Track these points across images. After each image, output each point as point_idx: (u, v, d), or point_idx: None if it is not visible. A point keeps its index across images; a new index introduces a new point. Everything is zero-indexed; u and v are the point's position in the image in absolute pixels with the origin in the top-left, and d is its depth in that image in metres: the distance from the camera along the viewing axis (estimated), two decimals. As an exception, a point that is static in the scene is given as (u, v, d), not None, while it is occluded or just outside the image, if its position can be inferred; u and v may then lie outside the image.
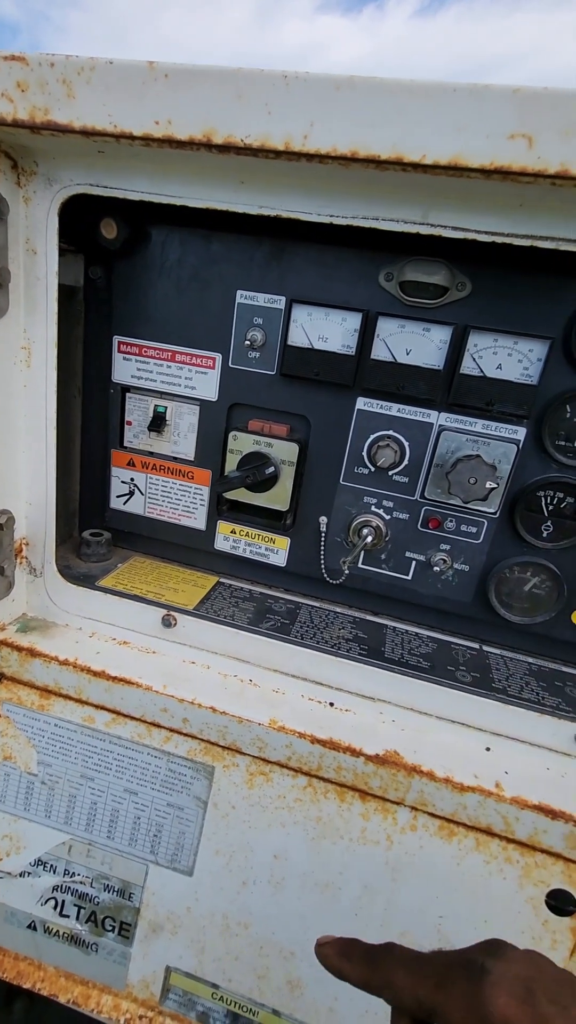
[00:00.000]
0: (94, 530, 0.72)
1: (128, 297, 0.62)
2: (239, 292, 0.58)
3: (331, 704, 0.61)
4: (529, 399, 0.53)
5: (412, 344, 0.54)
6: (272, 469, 0.60)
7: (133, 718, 0.61)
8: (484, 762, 0.56)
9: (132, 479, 0.70)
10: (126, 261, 0.60)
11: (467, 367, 0.53)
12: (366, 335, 0.55)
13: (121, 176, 0.48)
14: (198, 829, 0.61)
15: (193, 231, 0.57)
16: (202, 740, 0.59)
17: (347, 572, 0.63)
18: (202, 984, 0.62)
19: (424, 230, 0.44)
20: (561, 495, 0.57)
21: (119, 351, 0.64)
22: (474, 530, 0.60)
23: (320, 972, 0.59)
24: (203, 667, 0.64)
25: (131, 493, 0.70)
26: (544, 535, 0.58)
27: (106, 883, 0.64)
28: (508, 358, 0.52)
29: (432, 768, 0.54)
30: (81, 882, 0.64)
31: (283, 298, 0.57)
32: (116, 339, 0.64)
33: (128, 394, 0.66)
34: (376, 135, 0.37)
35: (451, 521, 0.61)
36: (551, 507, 0.57)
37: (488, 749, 0.57)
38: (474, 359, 0.53)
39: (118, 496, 0.71)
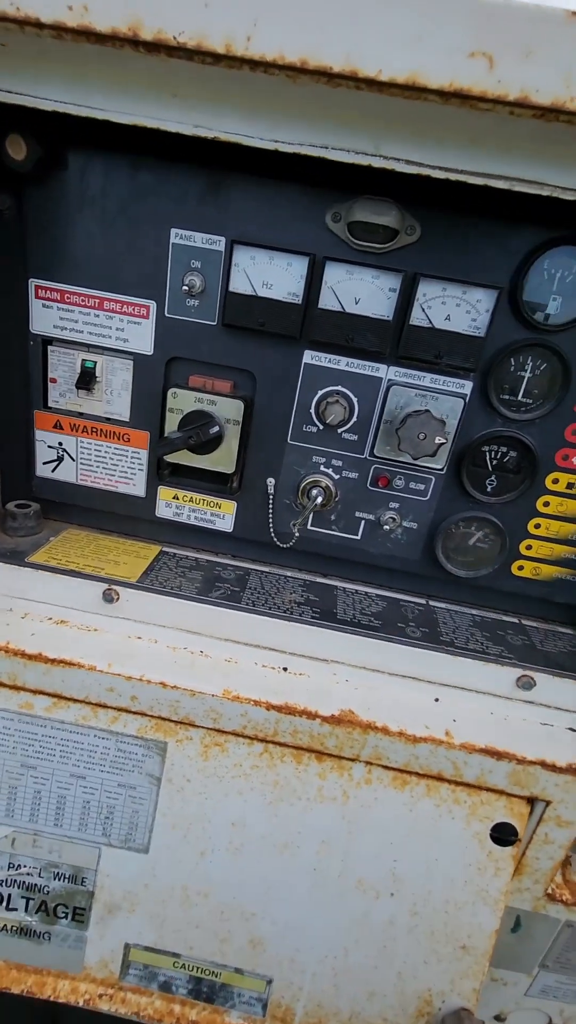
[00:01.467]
0: (20, 501, 0.65)
1: (45, 234, 0.54)
2: (173, 231, 0.52)
3: (284, 669, 0.60)
4: (477, 352, 0.52)
5: (361, 292, 0.52)
6: (217, 429, 0.57)
7: (76, 700, 0.57)
8: (434, 712, 0.57)
9: (60, 443, 0.63)
10: (39, 190, 0.53)
11: (416, 318, 0.52)
12: (313, 282, 0.52)
13: (29, 79, 0.41)
14: (152, 806, 0.59)
15: (117, 156, 0.50)
16: (153, 717, 0.57)
17: (297, 535, 0.61)
18: (163, 955, 0.61)
19: (376, 162, 0.41)
20: (504, 449, 0.58)
21: (37, 297, 0.57)
22: (422, 487, 0.60)
23: (281, 927, 0.60)
24: (150, 641, 0.60)
25: (60, 459, 0.64)
26: (488, 489, 0.59)
27: (56, 871, 0.61)
28: (456, 308, 0.51)
29: (386, 723, 0.54)
30: (28, 873, 0.61)
31: (223, 239, 0.52)
32: (32, 283, 0.56)
33: (50, 347, 0.59)
34: (328, 41, 0.33)
35: (400, 479, 0.60)
36: (495, 461, 0.58)
37: (437, 700, 0.59)
38: (423, 309, 0.52)
39: (45, 463, 0.64)
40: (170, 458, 0.60)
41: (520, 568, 0.63)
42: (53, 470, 0.65)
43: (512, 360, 0.54)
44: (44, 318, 0.57)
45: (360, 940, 0.59)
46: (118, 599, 0.59)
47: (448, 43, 0.32)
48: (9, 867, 0.61)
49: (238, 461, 0.60)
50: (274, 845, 0.58)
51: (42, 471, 0.65)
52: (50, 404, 0.62)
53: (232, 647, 0.60)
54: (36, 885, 0.61)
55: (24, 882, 0.61)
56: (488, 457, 0.58)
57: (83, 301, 0.56)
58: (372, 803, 0.57)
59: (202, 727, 0.56)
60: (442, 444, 0.54)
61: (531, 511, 0.60)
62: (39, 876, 0.61)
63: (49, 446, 0.64)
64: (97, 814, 0.59)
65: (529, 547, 0.62)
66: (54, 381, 0.60)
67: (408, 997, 0.60)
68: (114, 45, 0.35)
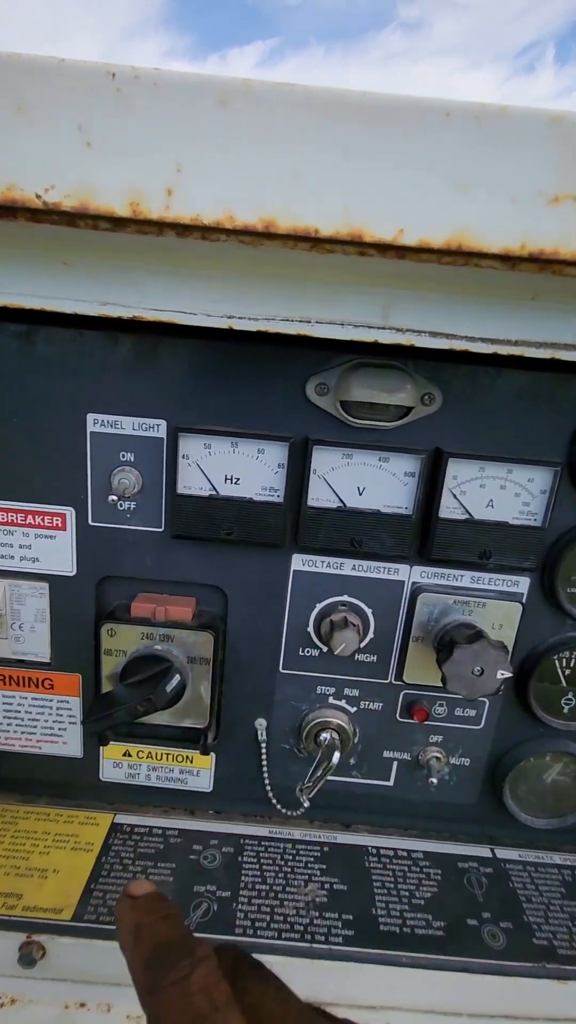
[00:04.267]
0: None
1: None
2: (90, 416, 0.37)
3: (312, 1027, 0.39)
4: (536, 545, 0.37)
5: (366, 480, 0.37)
6: (178, 679, 0.39)
7: None
8: None
9: (-48, 699, 0.44)
10: None
11: (448, 508, 0.37)
12: (296, 472, 0.37)
13: None
14: None
15: (0, 325, 0.35)
16: None
17: (306, 804, 0.42)
18: None
19: (385, 337, 0.27)
20: (580, 655, 0.42)
21: None
22: (473, 713, 0.43)
23: None
24: (100, 1010, 0.39)
25: (-46, 719, 0.45)
26: (565, 710, 0.43)
27: None
28: (501, 492, 0.37)
29: None
30: None
31: (163, 423, 0.37)
32: None
33: None
34: (310, 195, 0.19)
35: (441, 705, 0.43)
36: (568, 672, 0.42)
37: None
38: (455, 496, 0.37)
39: None
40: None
41: (616, 801, 0.46)
42: (-54, 734, 0.45)
43: (579, 544, 0.39)
44: None
45: None
46: (43, 956, 0.38)
47: (517, 187, 0.18)
48: None
49: (212, 709, 0.42)
50: None
51: None
52: None
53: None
54: None
55: None
56: (560, 668, 0.42)
57: (-32, 516, 0.39)
58: None
59: None
60: (506, 678, 0.37)
61: (624, 730, 0.44)
62: None
63: None
64: None
65: (626, 774, 0.45)
66: None
67: None
68: None
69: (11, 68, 0.18)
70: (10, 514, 0.39)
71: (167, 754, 0.45)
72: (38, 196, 0.19)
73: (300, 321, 0.26)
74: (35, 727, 0.45)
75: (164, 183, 0.19)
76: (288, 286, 0.25)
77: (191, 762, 0.46)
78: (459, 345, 0.26)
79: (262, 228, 0.19)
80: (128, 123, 0.18)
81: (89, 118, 0.18)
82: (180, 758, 0.46)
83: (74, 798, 0.48)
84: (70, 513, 0.39)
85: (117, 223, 0.20)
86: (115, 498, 0.36)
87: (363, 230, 0.19)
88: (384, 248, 0.20)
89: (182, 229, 0.20)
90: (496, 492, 0.37)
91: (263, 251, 0.21)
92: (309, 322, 0.26)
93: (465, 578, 0.40)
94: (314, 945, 0.39)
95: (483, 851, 0.48)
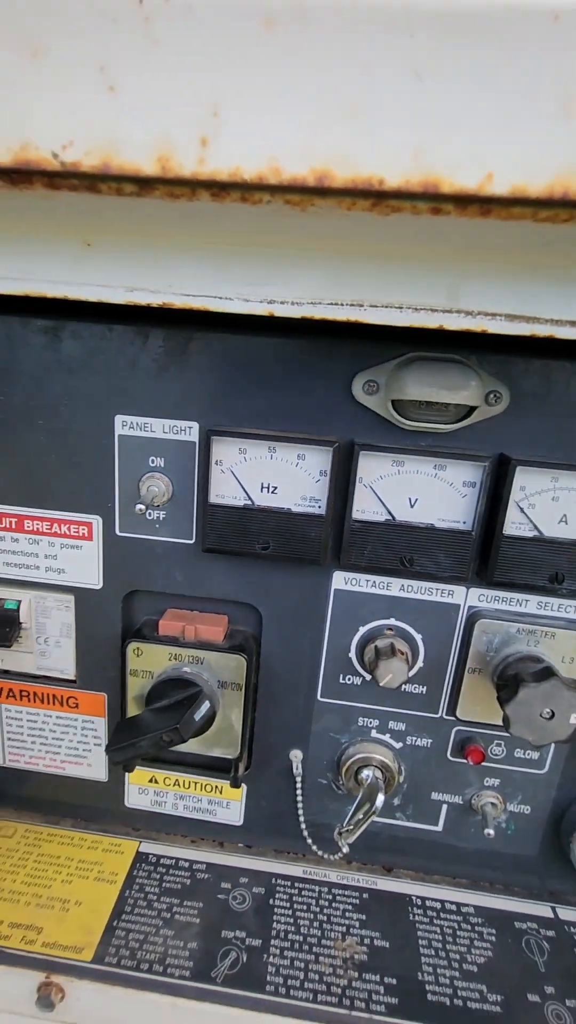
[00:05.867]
0: None
1: None
2: (118, 418, 0.34)
3: None
4: (619, 567, 0.32)
5: (419, 490, 0.33)
6: (207, 706, 0.35)
7: None
8: None
9: (-25, 714, 0.42)
10: None
11: (514, 524, 0.32)
12: (341, 481, 0.33)
13: None
14: None
15: (25, 320, 0.33)
16: None
17: (345, 850, 0.38)
18: None
19: (452, 322, 0.23)
20: None
21: None
22: (536, 756, 0.38)
23: None
24: (116, 1065, 0.36)
25: (-24, 734, 0.43)
26: None
27: None
28: (578, 505, 0.32)
29: None
30: None
31: (195, 425, 0.34)
32: None
33: (-51, 585, 0.39)
34: (374, 133, 0.15)
35: (499, 746, 0.38)
36: None
37: None
38: (523, 511, 0.32)
39: (-45, 741, 0.43)
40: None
41: None
42: (-32, 749, 0.43)
43: None
44: None
45: None
46: (62, 999, 0.35)
47: None
48: None
49: (244, 738, 0.38)
50: None
51: (-47, 750, 0.44)
52: (-43, 661, 0.41)
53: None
54: None
55: None
56: None
57: (-8, 523, 0.37)
58: None
59: None
60: (582, 722, 0.32)
61: None
62: None
63: (-40, 718, 0.43)
64: None
65: None
66: (-40, 629, 0.40)
67: None
68: None
69: (20, 1, 0.15)
70: (36, 522, 0.37)
71: (195, 783, 0.42)
72: (55, 155, 0.16)
73: (351, 305, 0.23)
74: (59, 747, 0.43)
75: (199, 131, 0.16)
76: (338, 262, 0.22)
77: (220, 792, 0.42)
78: (542, 331, 0.22)
79: (314, 182, 0.16)
80: (157, 59, 0.15)
81: (112, 55, 0.15)
82: (209, 788, 0.42)
83: (99, 822, 0.45)
84: (97, 522, 0.37)
85: (144, 185, 0.17)
86: (142, 507, 0.33)
87: (440, 177, 0.15)
88: (465, 201, 0.16)
89: (218, 189, 0.17)
90: (571, 506, 0.32)
91: (313, 216, 0.18)
92: (361, 306, 0.23)
93: (531, 604, 0.35)
94: (353, 1012, 0.35)
95: (543, 910, 0.42)
